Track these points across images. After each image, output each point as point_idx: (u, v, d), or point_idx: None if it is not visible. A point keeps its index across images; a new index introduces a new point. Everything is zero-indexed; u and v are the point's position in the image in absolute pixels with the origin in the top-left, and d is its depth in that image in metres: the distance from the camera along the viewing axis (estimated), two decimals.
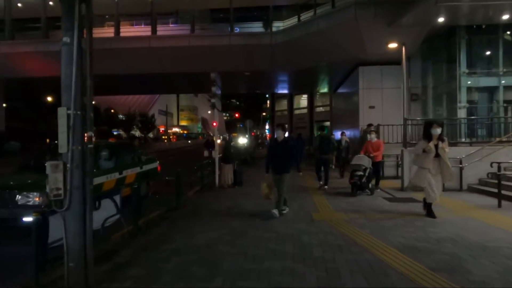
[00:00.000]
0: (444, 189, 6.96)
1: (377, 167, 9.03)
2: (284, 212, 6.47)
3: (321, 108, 33.58)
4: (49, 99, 29.47)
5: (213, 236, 5.11)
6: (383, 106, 14.34)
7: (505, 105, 12.86)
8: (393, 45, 11.88)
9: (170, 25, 20.82)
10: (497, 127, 11.94)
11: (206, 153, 11.60)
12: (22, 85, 21.92)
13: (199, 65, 17.32)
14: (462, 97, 12.68)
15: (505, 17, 11.37)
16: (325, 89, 26.49)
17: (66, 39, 3.04)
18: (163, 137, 56.79)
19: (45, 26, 18.33)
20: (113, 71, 18.43)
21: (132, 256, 4.33)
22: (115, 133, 46.30)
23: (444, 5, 10.43)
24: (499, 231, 5.10)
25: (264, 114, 60.14)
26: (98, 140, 9.12)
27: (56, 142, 3.17)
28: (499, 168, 6.83)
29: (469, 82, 12.88)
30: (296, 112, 37.62)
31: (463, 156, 8.80)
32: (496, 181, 7.17)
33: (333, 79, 20.59)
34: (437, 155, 5.93)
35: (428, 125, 6.14)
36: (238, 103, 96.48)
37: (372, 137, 8.99)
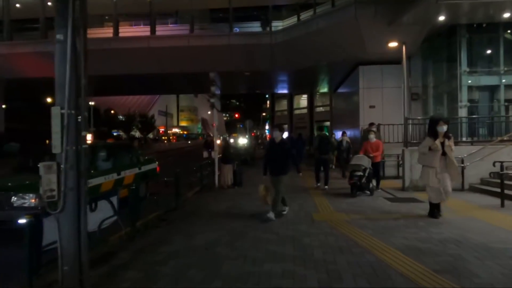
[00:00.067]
0: None
1: (377, 167, 8.93)
2: (284, 212, 6.38)
3: (321, 108, 33.50)
4: (49, 100, 29.39)
5: (212, 237, 5.03)
6: (383, 105, 14.26)
7: (506, 104, 12.78)
8: (393, 44, 11.82)
9: (169, 25, 20.76)
10: (498, 126, 11.88)
11: (205, 154, 11.50)
12: (21, 86, 21.84)
13: (198, 65, 17.24)
14: (463, 96, 12.61)
15: (506, 15, 11.28)
16: (325, 89, 26.42)
17: (59, 36, 2.96)
18: (163, 137, 56.76)
19: (44, 27, 18.27)
20: (112, 72, 18.39)
21: (129, 258, 4.25)
22: (115, 134, 46.28)
23: (444, 4, 10.35)
24: (503, 231, 5.02)
25: (264, 114, 60.05)
26: (96, 141, 9.04)
27: None
28: (501, 167, 6.74)
29: (469, 81, 12.81)
30: (296, 112, 37.54)
31: (465, 155, 8.71)
32: (498, 181, 7.10)
33: (333, 79, 20.51)
34: (443, 154, 5.74)
35: (433, 122, 5.92)
36: (238, 103, 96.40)
37: (371, 137, 8.89)
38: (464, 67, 12.61)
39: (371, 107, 14.45)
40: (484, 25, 12.57)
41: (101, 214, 4.36)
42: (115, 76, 19.19)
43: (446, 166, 5.78)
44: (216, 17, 20.61)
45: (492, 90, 13.16)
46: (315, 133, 12.87)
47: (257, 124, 53.76)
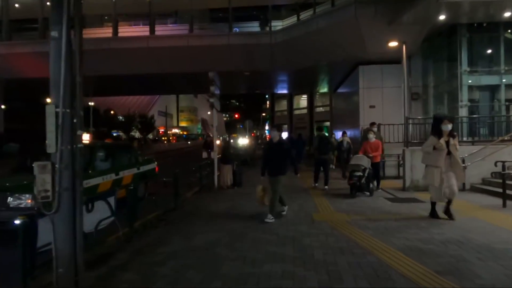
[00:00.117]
0: None
1: (376, 167, 8.83)
2: (284, 213, 6.31)
3: (321, 108, 33.44)
4: (48, 100, 29.30)
5: (211, 238, 4.97)
6: (383, 105, 14.20)
7: (506, 103, 12.72)
8: (393, 44, 11.77)
9: (169, 25, 20.71)
10: (499, 126, 11.83)
11: (204, 155, 11.41)
12: (20, 86, 21.79)
13: (198, 65, 17.19)
14: (464, 95, 12.54)
15: (507, 14, 11.22)
16: (325, 89, 26.37)
17: (54, 33, 2.90)
18: (163, 138, 56.71)
19: (43, 27, 18.22)
20: (112, 72, 18.35)
21: (127, 259, 4.19)
22: (114, 134, 46.26)
23: (444, 3, 10.29)
24: (506, 232, 4.96)
25: (264, 114, 60.00)
26: (94, 141, 8.98)
27: None
28: (503, 167, 6.68)
29: (470, 81, 12.75)
30: (296, 112, 37.48)
31: (466, 155, 8.65)
32: (500, 181, 7.03)
33: (333, 79, 20.46)
34: (448, 153, 5.60)
35: (438, 121, 5.76)
36: (238, 103, 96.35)
37: (370, 136, 8.79)
38: (465, 66, 12.55)
39: (371, 107, 14.39)
40: (484, 24, 12.51)
41: (98, 215, 4.30)
42: (115, 76, 19.15)
43: (451, 165, 5.64)
44: (216, 17, 20.58)
45: (493, 89, 13.11)
46: (315, 133, 12.80)
47: (257, 124, 53.75)
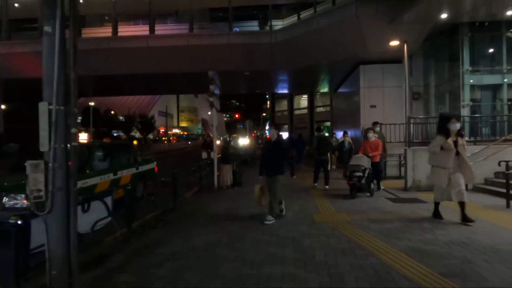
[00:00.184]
0: None
1: (376, 167, 8.64)
2: (283, 213, 6.21)
3: (321, 108, 33.37)
4: None
5: (210, 239, 4.88)
6: (384, 105, 14.10)
7: (509, 103, 12.62)
8: (394, 43, 11.68)
9: (169, 24, 20.64)
10: (501, 125, 11.72)
11: (204, 155, 11.31)
12: (20, 86, 21.70)
13: (198, 65, 17.09)
14: (465, 95, 12.45)
15: (509, 13, 11.14)
16: (325, 89, 26.28)
17: (47, 28, 2.82)
18: (163, 138, 56.66)
19: (42, 26, 18.13)
20: (111, 71, 18.28)
21: (124, 261, 4.11)
22: (115, 134, 46.23)
23: (446, 1, 10.22)
24: (510, 232, 4.86)
25: (264, 114, 59.91)
26: (92, 140, 8.90)
27: None
28: (507, 167, 6.57)
29: (472, 80, 12.65)
30: (297, 112, 37.42)
31: (468, 155, 8.48)
32: (503, 181, 6.94)
33: (334, 78, 20.37)
34: (456, 153, 5.40)
35: (445, 119, 5.53)
36: (238, 103, 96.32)
37: (370, 135, 8.63)
38: (467, 66, 12.45)
39: (372, 106, 14.30)
40: (486, 23, 12.42)
41: (95, 215, 4.22)
42: (114, 76, 19.07)
43: (458, 165, 5.44)
44: (216, 16, 20.53)
45: (495, 89, 13.01)
46: (315, 133, 12.77)
47: (257, 124, 53.64)
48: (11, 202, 4.94)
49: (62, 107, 2.85)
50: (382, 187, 8.98)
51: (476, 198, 7.48)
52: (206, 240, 4.82)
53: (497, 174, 8.23)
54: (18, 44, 17.84)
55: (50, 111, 2.80)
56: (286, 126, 36.59)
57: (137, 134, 49.56)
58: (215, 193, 9.16)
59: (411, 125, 10.24)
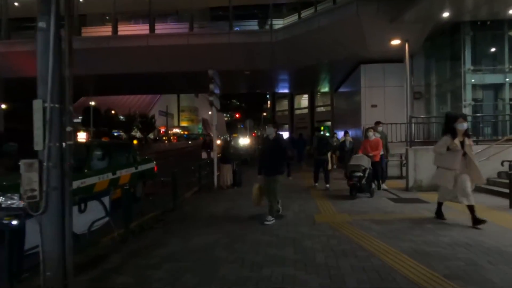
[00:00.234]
0: None
1: (376, 167, 8.53)
2: (279, 213, 6.11)
3: (322, 107, 33.32)
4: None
5: (210, 240, 4.81)
6: (385, 104, 14.02)
7: (511, 102, 12.54)
8: (395, 42, 11.61)
9: (169, 23, 20.57)
10: (503, 125, 11.63)
11: (204, 155, 11.25)
12: (20, 85, 21.61)
13: (198, 64, 17.01)
14: (467, 95, 12.36)
15: (511, 11, 11.05)
16: (326, 89, 26.19)
17: (42, 24, 2.76)
18: (164, 138, 56.61)
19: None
20: (111, 71, 18.21)
21: (121, 262, 4.04)
22: (115, 134, 46.19)
23: (447, 0, 10.13)
24: None
25: (265, 114, 59.82)
26: (91, 139, 8.84)
27: None
28: (510, 167, 6.49)
29: (474, 80, 12.56)
30: (297, 112, 37.39)
31: None
32: (505, 181, 6.85)
33: (334, 78, 20.28)
34: (463, 154, 5.27)
35: (451, 119, 5.38)
36: (238, 103, 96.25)
37: (370, 134, 8.52)
38: (468, 65, 12.37)
39: (373, 106, 14.21)
40: (488, 22, 12.34)
41: (92, 215, 4.14)
42: (114, 75, 19.01)
43: (465, 166, 5.32)
44: (216, 15, 20.45)
45: (497, 88, 12.93)
46: (315, 133, 12.75)
47: (258, 124, 53.59)
48: (8, 202, 4.88)
49: (57, 105, 2.79)
50: (385, 187, 8.90)
51: (478, 198, 7.33)
52: (205, 241, 4.75)
53: (499, 174, 8.14)
54: (18, 43, 17.77)
55: (44, 109, 2.73)
56: (286, 126, 36.54)
57: (138, 134, 49.51)
58: (215, 193, 9.09)
59: (413, 124, 10.16)
